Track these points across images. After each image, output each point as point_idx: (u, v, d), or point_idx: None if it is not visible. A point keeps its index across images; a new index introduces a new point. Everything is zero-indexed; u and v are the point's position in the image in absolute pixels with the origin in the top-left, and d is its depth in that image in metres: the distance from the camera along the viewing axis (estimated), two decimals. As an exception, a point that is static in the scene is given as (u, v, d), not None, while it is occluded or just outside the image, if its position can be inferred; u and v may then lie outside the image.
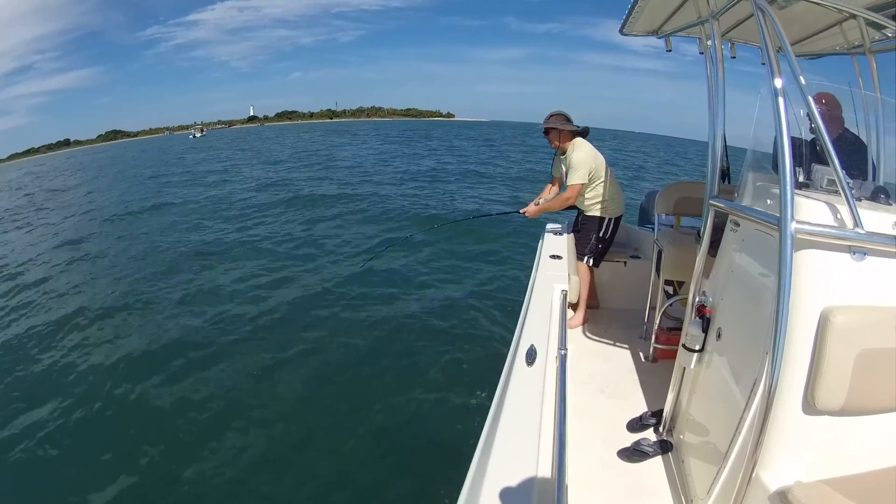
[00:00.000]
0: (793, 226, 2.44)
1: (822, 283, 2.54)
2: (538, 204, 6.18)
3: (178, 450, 6.31)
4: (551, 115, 5.97)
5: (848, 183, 2.71)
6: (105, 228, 20.67)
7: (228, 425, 6.73)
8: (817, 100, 3.69)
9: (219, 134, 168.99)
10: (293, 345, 8.79)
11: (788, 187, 2.47)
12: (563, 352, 2.99)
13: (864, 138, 3.82)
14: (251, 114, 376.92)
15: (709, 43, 3.53)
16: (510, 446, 2.22)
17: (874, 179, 3.57)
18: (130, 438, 6.48)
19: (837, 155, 2.58)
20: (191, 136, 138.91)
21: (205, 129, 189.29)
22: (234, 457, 6.13)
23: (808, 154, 2.86)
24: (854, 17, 3.93)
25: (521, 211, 6.15)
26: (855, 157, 3.63)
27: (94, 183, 38.47)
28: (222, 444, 6.38)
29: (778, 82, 2.64)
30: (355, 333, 9.09)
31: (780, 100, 2.61)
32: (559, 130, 5.88)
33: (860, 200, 2.80)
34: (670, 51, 5.16)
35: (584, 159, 5.68)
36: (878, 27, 3.80)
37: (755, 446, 2.57)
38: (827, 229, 2.50)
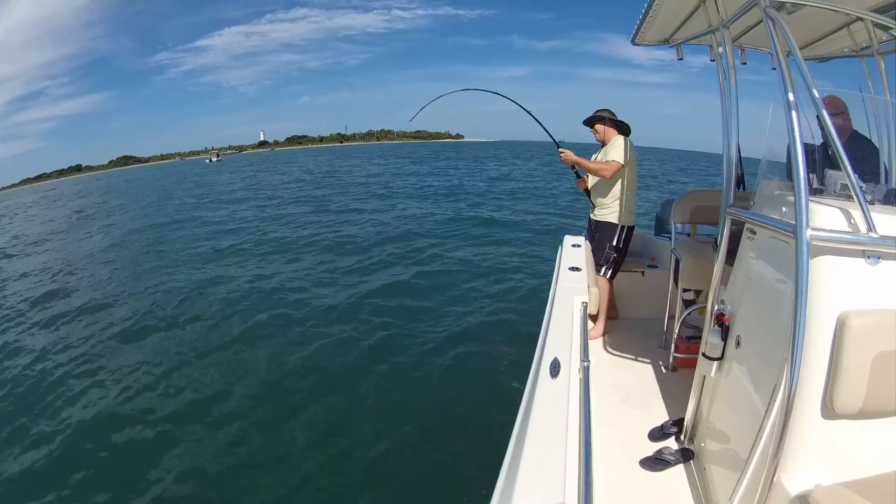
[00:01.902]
0: (808, 233, 2.46)
1: (837, 288, 2.55)
2: (577, 157, 6.08)
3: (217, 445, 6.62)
4: (599, 110, 6.03)
5: (861, 187, 2.73)
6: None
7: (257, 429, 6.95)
8: (825, 103, 3.76)
9: (232, 158, 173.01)
10: (320, 352, 9.10)
11: (803, 195, 2.49)
12: (585, 363, 2.99)
13: (875, 140, 3.81)
14: (261, 138, 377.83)
15: (720, 50, 3.55)
16: (537, 460, 2.21)
17: (887, 182, 3.58)
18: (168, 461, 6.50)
19: (849, 160, 2.59)
20: (207, 161, 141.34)
21: (220, 154, 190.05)
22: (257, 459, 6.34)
23: (820, 160, 2.87)
24: (861, 19, 3.94)
25: (560, 149, 6.05)
26: (867, 160, 3.61)
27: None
28: (247, 446, 6.62)
29: (790, 91, 2.67)
30: (371, 345, 9.30)
31: (793, 108, 2.63)
32: (606, 119, 5.95)
33: (873, 204, 2.81)
34: (682, 59, 5.18)
35: (624, 145, 5.73)
36: (885, 28, 3.80)
37: (776, 451, 2.57)
38: (841, 235, 2.52)
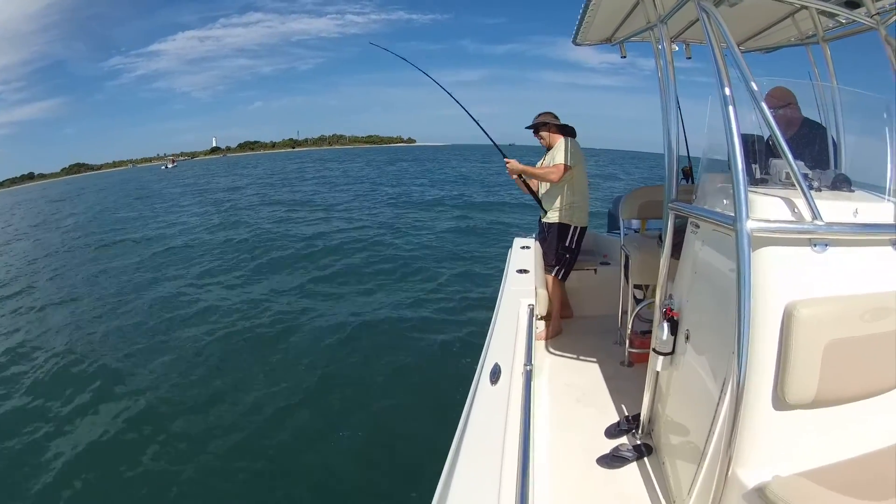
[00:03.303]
0: (748, 224, 2.45)
1: (783, 278, 2.55)
2: (523, 164, 6.01)
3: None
4: (540, 115, 6.02)
5: (806, 174, 2.78)
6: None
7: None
8: (771, 95, 3.73)
9: (188, 164, 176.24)
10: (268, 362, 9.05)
11: (742, 187, 2.48)
12: (528, 367, 2.95)
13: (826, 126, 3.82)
14: (214, 145, 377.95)
15: (659, 46, 3.53)
16: (472, 470, 2.17)
17: (836, 167, 3.60)
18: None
19: (791, 149, 2.59)
20: (163, 167, 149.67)
21: (175, 161, 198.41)
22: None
23: (765, 149, 2.87)
24: (805, 7, 3.96)
25: (507, 159, 5.96)
26: (815, 147, 3.61)
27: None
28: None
29: (727, 85, 2.66)
30: (317, 347, 9.37)
31: (730, 102, 2.63)
32: (550, 125, 5.91)
33: (819, 191, 2.84)
34: (625, 57, 5.24)
35: (573, 147, 5.72)
36: (832, 15, 3.81)
37: (727, 445, 2.56)
38: (784, 225, 2.52)
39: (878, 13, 3.33)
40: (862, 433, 2.73)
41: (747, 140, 2.76)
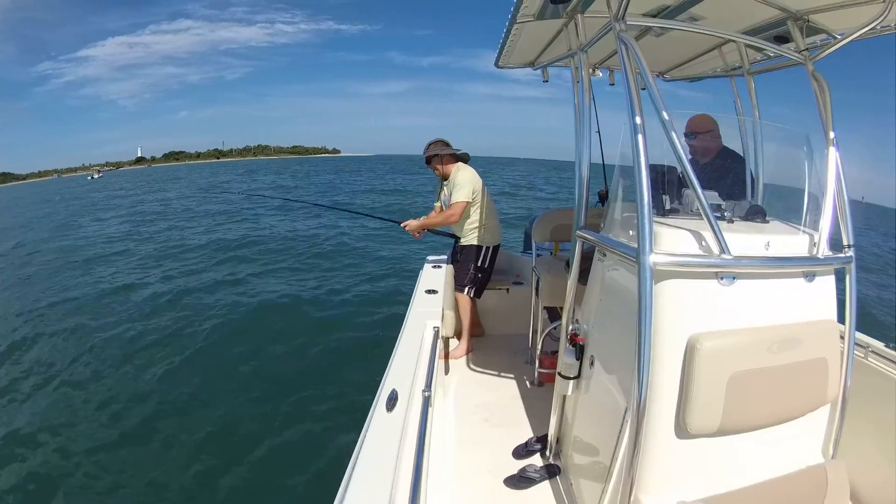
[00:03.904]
0: (651, 258, 2.44)
1: (687, 311, 2.56)
2: (421, 221, 6.09)
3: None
4: (431, 144, 6.00)
5: (718, 206, 2.88)
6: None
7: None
8: (691, 121, 3.79)
9: (113, 174, 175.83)
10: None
11: (646, 219, 2.47)
12: (426, 393, 2.90)
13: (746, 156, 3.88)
14: (139, 155, 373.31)
15: (579, 74, 3.53)
16: (363, 500, 2.12)
17: (752, 198, 3.66)
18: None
19: (699, 180, 2.57)
20: (89, 178, 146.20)
21: (101, 171, 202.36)
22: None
23: (676, 179, 2.88)
24: (733, 41, 4.03)
25: (402, 224, 6.06)
26: (731, 177, 3.65)
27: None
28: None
29: (638, 115, 2.64)
30: (214, 373, 8.97)
31: (639, 131, 2.60)
32: (441, 156, 5.88)
33: (732, 222, 2.89)
34: (547, 81, 5.25)
35: (467, 178, 5.71)
36: (759, 49, 3.89)
37: (628, 471, 2.55)
38: (688, 258, 2.53)
39: (806, 48, 3.41)
40: (766, 459, 2.78)
41: (659, 170, 2.80)
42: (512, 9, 3.59)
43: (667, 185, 2.87)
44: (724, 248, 2.50)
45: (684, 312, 2.55)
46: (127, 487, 5.98)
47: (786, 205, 3.20)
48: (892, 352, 3.33)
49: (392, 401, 2.67)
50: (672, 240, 2.58)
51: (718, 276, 2.54)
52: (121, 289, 14.37)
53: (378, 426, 2.49)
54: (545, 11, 3.67)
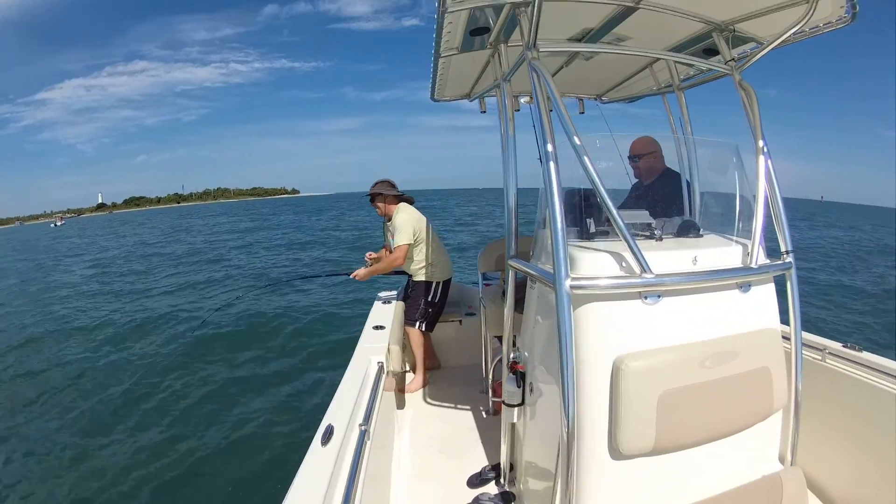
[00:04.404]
0: (567, 283, 2.43)
1: (611, 333, 2.55)
2: (368, 268, 6.16)
3: None
4: (376, 184, 6.04)
5: (649, 224, 2.97)
6: None
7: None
8: (634, 144, 3.82)
9: (75, 221, 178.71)
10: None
11: (560, 245, 2.47)
12: (363, 427, 2.87)
13: (686, 174, 3.89)
14: (100, 201, 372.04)
15: (504, 103, 3.51)
16: None
17: (690, 214, 3.69)
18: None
19: (641, 202, 2.67)
20: (52, 225, 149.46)
21: (63, 218, 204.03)
22: None
23: (597, 203, 2.75)
24: (658, 59, 4.16)
25: (351, 275, 6.12)
26: (669, 195, 3.73)
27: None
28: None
29: (549, 142, 2.65)
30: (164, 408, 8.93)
31: (551, 158, 2.62)
32: (384, 196, 5.93)
33: (661, 240, 2.90)
34: (485, 112, 5.24)
35: (407, 220, 5.79)
36: (689, 65, 3.98)
37: (565, 492, 2.54)
38: (606, 281, 2.51)
39: (733, 59, 3.45)
40: (719, 472, 2.78)
41: (584, 193, 2.80)
42: (433, 43, 3.60)
43: (591, 208, 2.85)
44: (644, 268, 2.49)
45: (608, 334, 2.54)
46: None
47: (721, 217, 3.25)
48: (850, 351, 3.36)
49: (328, 435, 2.64)
50: (591, 264, 2.59)
51: (642, 295, 2.53)
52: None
53: (312, 460, 2.46)
54: (468, 44, 3.73)
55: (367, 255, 6.34)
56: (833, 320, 14.29)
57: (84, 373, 10.99)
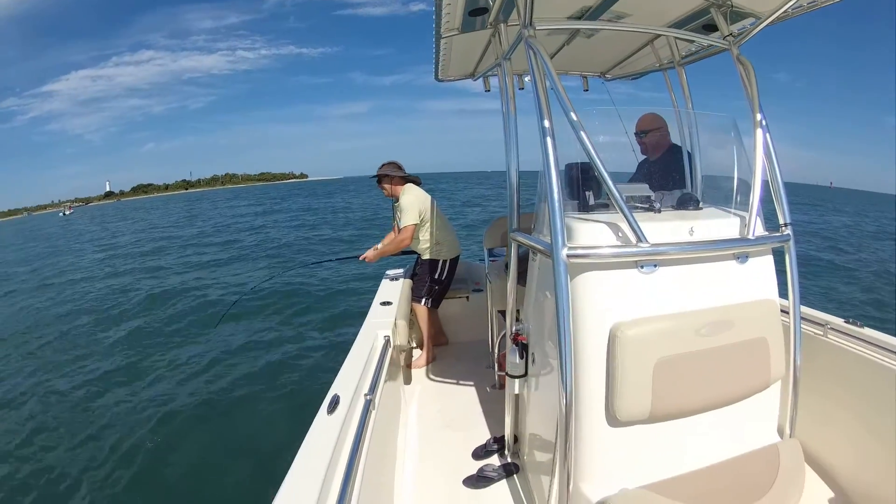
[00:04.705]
0: (564, 252, 2.49)
1: (608, 301, 2.60)
2: (377, 249, 6.25)
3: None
4: (383, 165, 6.09)
5: (648, 197, 3.02)
6: None
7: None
8: (640, 120, 3.86)
9: (84, 210, 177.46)
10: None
11: (557, 216, 2.52)
12: (368, 397, 2.92)
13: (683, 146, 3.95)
14: (107, 189, 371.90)
15: (505, 81, 3.56)
16: (292, 498, 2.13)
17: (691, 187, 3.72)
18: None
19: (645, 177, 2.68)
20: (61, 214, 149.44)
21: (72, 207, 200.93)
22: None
23: (596, 177, 2.77)
24: (660, 35, 4.20)
25: (360, 257, 6.20)
26: (672, 169, 3.77)
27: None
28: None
29: (546, 118, 2.71)
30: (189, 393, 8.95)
31: (548, 133, 2.67)
32: (391, 177, 5.99)
33: (659, 212, 2.95)
34: (489, 90, 5.31)
35: (412, 201, 5.86)
36: (689, 41, 4.00)
37: (563, 461, 2.58)
38: (602, 250, 2.57)
39: (731, 34, 3.47)
40: (715, 443, 2.82)
41: (583, 167, 2.85)
42: (433, 24, 3.66)
43: (591, 182, 2.90)
44: (640, 237, 2.54)
45: (605, 303, 2.59)
46: None
47: (721, 190, 3.26)
48: (852, 326, 3.37)
49: (333, 404, 2.70)
50: (588, 234, 2.64)
51: (638, 264, 2.59)
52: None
53: (318, 428, 2.52)
54: (469, 24, 3.77)
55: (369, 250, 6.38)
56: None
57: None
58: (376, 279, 6.11)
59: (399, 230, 5.92)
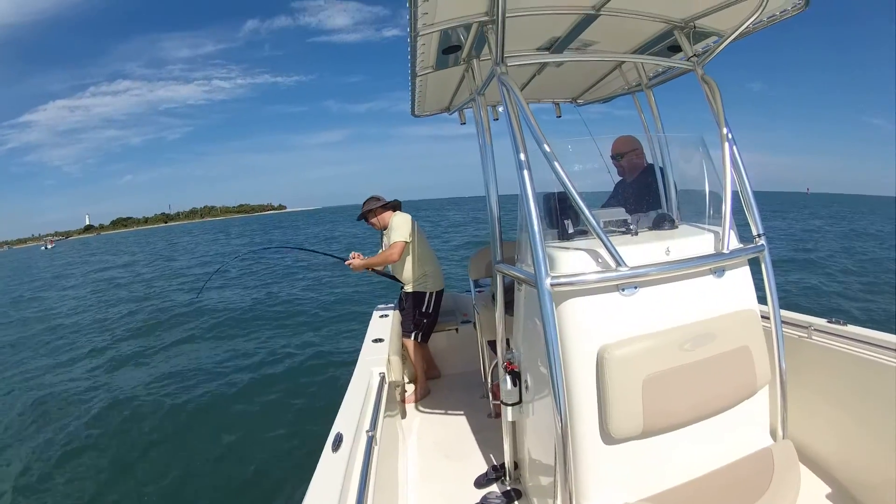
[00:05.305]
0: (547, 282, 2.58)
1: (593, 325, 2.69)
2: (363, 259, 6.17)
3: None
4: (365, 202, 6.17)
5: (625, 220, 3.11)
6: None
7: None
8: (615, 143, 4.01)
9: (64, 244, 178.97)
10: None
11: (538, 246, 2.63)
12: (370, 433, 2.97)
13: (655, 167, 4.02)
14: (87, 223, 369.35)
15: (480, 115, 3.64)
16: None
17: (667, 207, 3.80)
18: None
19: (621, 200, 2.75)
20: (42, 248, 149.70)
21: (53, 241, 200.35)
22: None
23: (572, 205, 2.87)
24: (623, 63, 4.34)
25: (346, 261, 6.13)
26: (647, 191, 3.86)
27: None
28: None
29: (522, 151, 2.83)
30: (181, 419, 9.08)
31: (524, 166, 2.79)
32: (374, 210, 6.05)
33: (636, 234, 3.05)
34: (464, 123, 5.39)
35: (403, 220, 5.90)
36: (654, 64, 4.12)
37: (564, 481, 2.65)
38: (584, 277, 2.65)
39: (695, 55, 3.60)
40: (710, 451, 2.91)
41: (560, 197, 2.94)
42: (409, 64, 3.76)
43: (569, 210, 2.99)
44: (619, 262, 2.64)
45: (590, 327, 2.68)
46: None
47: (695, 207, 3.36)
48: (836, 325, 3.46)
49: (337, 442, 2.74)
50: (570, 262, 2.74)
51: (619, 288, 2.69)
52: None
53: (325, 466, 2.56)
54: (443, 62, 3.88)
55: (352, 254, 6.26)
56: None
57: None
58: (366, 315, 6.09)
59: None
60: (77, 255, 76.29)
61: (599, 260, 2.71)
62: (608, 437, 2.66)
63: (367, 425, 3.11)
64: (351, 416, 3.15)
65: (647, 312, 2.75)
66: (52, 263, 63.54)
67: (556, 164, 2.72)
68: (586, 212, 2.69)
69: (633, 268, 2.65)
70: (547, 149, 2.74)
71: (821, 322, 3.58)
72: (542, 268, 2.59)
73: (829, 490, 3.26)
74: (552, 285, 2.58)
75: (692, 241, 2.97)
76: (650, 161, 4.13)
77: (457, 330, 6.71)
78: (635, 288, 2.71)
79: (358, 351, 4.40)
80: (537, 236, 2.63)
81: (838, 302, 14.53)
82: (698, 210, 3.31)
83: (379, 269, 6.22)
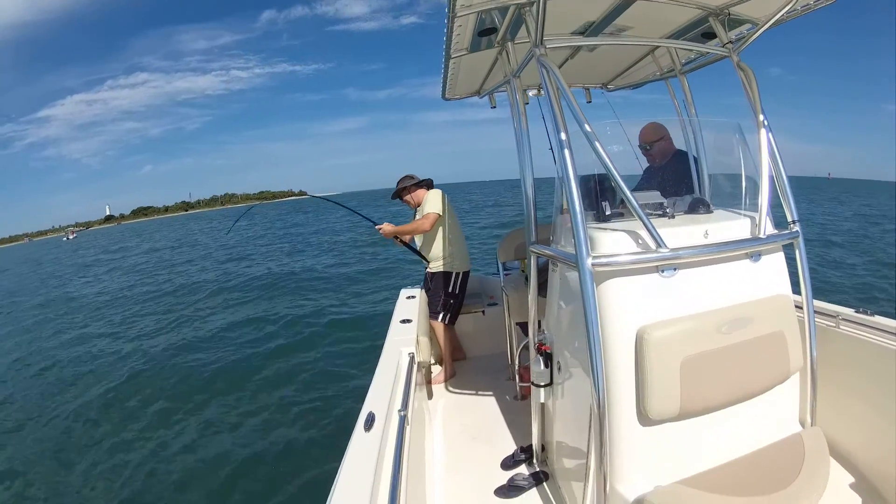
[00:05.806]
0: (588, 261, 2.59)
1: (632, 306, 2.69)
2: (393, 226, 6.13)
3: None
4: (400, 180, 6.20)
5: (661, 204, 3.10)
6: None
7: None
8: (643, 131, 3.95)
9: (85, 234, 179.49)
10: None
11: (580, 227, 2.63)
12: (402, 413, 2.97)
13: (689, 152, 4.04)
14: (107, 213, 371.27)
15: (515, 98, 3.65)
16: None
17: (700, 192, 3.84)
18: None
19: (653, 185, 2.79)
20: (64, 239, 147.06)
21: (75, 231, 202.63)
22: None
23: (611, 187, 2.95)
24: (659, 46, 4.32)
25: (377, 225, 6.10)
26: (680, 176, 3.86)
27: None
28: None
29: (563, 131, 2.82)
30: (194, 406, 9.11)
31: (565, 146, 2.78)
32: (409, 188, 6.09)
33: (673, 217, 3.06)
34: (494, 107, 5.48)
35: (436, 194, 5.94)
36: (689, 49, 4.07)
37: (599, 463, 2.67)
38: (625, 257, 2.66)
39: (730, 41, 3.57)
40: (741, 436, 2.91)
41: (597, 179, 2.98)
42: (444, 46, 3.77)
43: (606, 192, 3.01)
44: (659, 243, 2.65)
45: (630, 308, 2.68)
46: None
47: (730, 192, 3.36)
48: (863, 316, 3.43)
49: (370, 422, 2.75)
50: (610, 242, 2.73)
51: (659, 269, 2.69)
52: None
53: (357, 446, 2.56)
54: (476, 44, 3.90)
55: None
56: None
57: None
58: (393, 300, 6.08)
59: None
60: (103, 242, 76.94)
61: (639, 241, 2.71)
62: (644, 419, 2.67)
63: (398, 405, 3.11)
64: (382, 395, 3.15)
65: (686, 294, 2.76)
66: (72, 254, 63.84)
67: (597, 144, 2.72)
68: (628, 193, 2.70)
69: (672, 249, 2.65)
70: (588, 129, 2.74)
71: (848, 311, 3.55)
72: (584, 248, 2.59)
73: (852, 480, 3.24)
74: (593, 265, 2.59)
75: (729, 225, 2.97)
76: (679, 147, 4.13)
77: (483, 312, 6.70)
78: (674, 270, 2.71)
79: (383, 333, 4.41)
80: (579, 217, 2.63)
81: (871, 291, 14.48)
82: (733, 195, 3.30)
83: (407, 238, 6.22)
